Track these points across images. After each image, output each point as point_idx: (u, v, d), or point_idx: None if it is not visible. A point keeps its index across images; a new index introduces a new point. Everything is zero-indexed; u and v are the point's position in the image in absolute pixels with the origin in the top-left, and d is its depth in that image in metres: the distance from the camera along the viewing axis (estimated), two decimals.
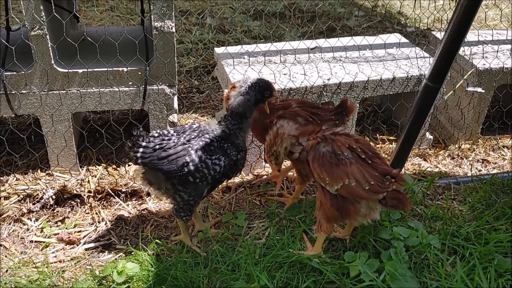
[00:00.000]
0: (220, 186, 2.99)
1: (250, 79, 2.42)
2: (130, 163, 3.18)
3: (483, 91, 3.34)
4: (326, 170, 2.24)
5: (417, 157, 3.45)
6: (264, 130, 2.57)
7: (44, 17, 2.62)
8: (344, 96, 3.11)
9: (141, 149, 2.31)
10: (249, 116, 2.42)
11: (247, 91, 2.36)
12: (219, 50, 3.43)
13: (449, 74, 3.32)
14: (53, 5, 2.61)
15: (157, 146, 2.32)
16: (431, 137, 3.54)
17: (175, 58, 2.87)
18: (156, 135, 2.38)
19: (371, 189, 2.19)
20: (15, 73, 2.76)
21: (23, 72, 2.76)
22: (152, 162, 2.30)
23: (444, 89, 3.35)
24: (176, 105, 3.02)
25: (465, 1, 2.28)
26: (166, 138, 2.36)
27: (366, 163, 2.24)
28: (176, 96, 3.03)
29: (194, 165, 2.30)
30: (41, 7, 2.60)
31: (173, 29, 2.77)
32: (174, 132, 2.40)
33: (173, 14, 2.74)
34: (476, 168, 3.40)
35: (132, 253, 2.53)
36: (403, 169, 3.21)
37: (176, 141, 2.34)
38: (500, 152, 3.56)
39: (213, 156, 2.35)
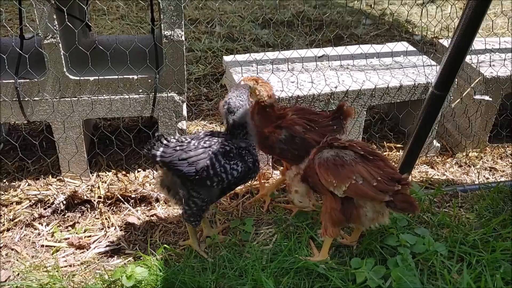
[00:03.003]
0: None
1: (240, 88, 2.46)
2: (139, 169, 3.23)
3: (490, 99, 3.35)
4: (332, 172, 2.28)
5: (425, 165, 3.46)
6: (265, 139, 2.64)
7: (57, 26, 2.69)
8: (352, 104, 3.14)
9: (161, 148, 2.33)
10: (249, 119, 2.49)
11: (244, 103, 2.42)
12: (227, 58, 3.47)
13: (456, 82, 3.34)
14: (65, 14, 2.67)
15: (178, 147, 2.35)
16: (439, 144, 3.55)
17: (185, 66, 2.92)
18: (174, 139, 2.43)
19: (378, 187, 2.21)
20: (28, 80, 2.82)
21: (36, 80, 2.82)
22: (173, 162, 2.32)
23: (452, 97, 3.37)
24: (185, 112, 3.07)
25: (471, 10, 2.30)
26: (186, 141, 2.41)
27: (371, 163, 2.27)
28: (185, 103, 3.07)
29: (214, 168, 2.34)
30: (54, 16, 2.66)
31: (183, 38, 2.82)
32: (191, 138, 2.44)
33: (182, 23, 2.79)
34: (484, 176, 3.41)
35: (141, 258, 2.57)
36: (410, 177, 3.22)
37: (196, 144, 2.39)
38: (508, 160, 3.56)
39: (232, 162, 2.39)
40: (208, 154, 2.35)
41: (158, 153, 2.32)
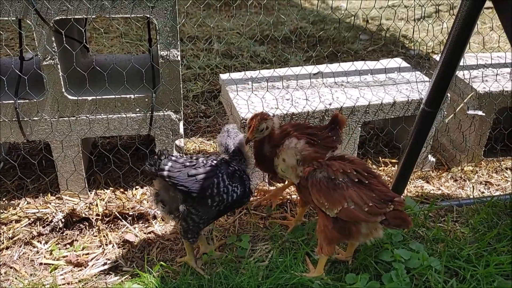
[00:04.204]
0: None
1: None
2: (137, 187, 3.27)
3: (484, 114, 3.39)
4: (324, 195, 2.31)
5: (420, 180, 3.49)
6: (262, 160, 2.73)
7: (55, 47, 2.75)
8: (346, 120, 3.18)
9: (170, 163, 2.38)
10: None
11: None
12: (223, 76, 3.53)
13: (449, 97, 3.38)
14: (64, 36, 2.74)
15: (188, 163, 2.41)
16: (434, 159, 3.58)
17: (181, 85, 2.97)
18: (180, 156, 2.50)
19: (370, 211, 2.24)
20: (27, 101, 2.88)
21: (35, 100, 2.88)
22: (179, 178, 2.36)
23: (445, 112, 3.41)
24: (181, 130, 3.12)
25: (457, 30, 2.36)
26: (194, 158, 2.49)
27: (363, 185, 2.29)
28: (182, 121, 3.12)
29: (218, 188, 2.40)
30: (53, 39, 2.73)
31: (179, 58, 2.88)
32: (196, 157, 2.53)
33: (178, 43, 2.85)
34: (479, 190, 3.43)
35: (138, 275, 2.59)
36: (405, 191, 3.25)
37: (205, 162, 2.46)
38: (503, 174, 3.58)
39: (234, 184, 2.47)
40: (215, 172, 2.41)
41: (167, 167, 2.37)
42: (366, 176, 2.34)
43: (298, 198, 2.99)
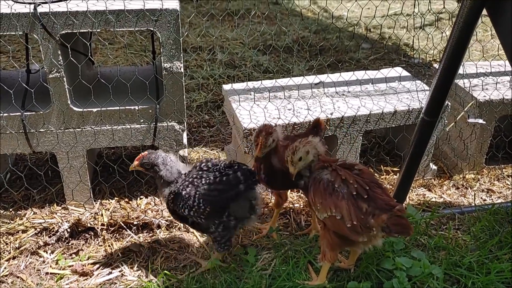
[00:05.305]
0: None
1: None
2: (141, 197, 3.31)
3: (484, 122, 3.42)
4: (319, 196, 2.34)
5: (422, 188, 3.52)
6: (273, 174, 2.72)
7: (61, 61, 2.81)
8: (347, 129, 3.22)
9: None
10: None
11: None
12: (226, 87, 3.58)
13: (449, 106, 3.42)
14: (69, 50, 2.80)
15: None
16: (435, 167, 3.61)
17: (184, 97, 3.02)
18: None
19: (352, 228, 2.27)
20: (34, 113, 2.94)
21: (41, 112, 2.94)
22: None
23: (446, 121, 3.44)
24: (185, 141, 3.16)
25: (454, 39, 2.39)
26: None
27: (359, 200, 2.31)
28: (186, 132, 3.17)
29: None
30: (59, 52, 2.79)
31: (182, 69, 2.93)
32: None
33: (181, 55, 2.90)
34: (481, 198, 3.45)
35: (143, 284, 2.63)
36: (407, 199, 3.28)
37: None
38: (505, 182, 3.60)
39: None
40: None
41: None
42: (367, 190, 2.32)
43: (274, 199, 3.03)
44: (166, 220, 3.07)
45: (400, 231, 2.29)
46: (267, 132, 2.57)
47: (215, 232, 2.60)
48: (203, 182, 2.53)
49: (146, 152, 2.59)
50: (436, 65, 3.90)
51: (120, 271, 2.78)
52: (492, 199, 3.43)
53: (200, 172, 2.58)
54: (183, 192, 2.52)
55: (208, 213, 2.51)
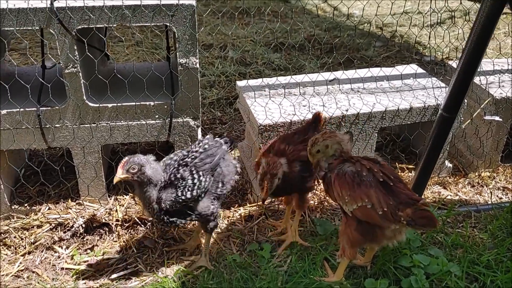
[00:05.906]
0: (243, 214, 3.11)
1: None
2: None
3: (501, 119, 3.39)
4: (346, 188, 2.32)
5: (437, 185, 3.49)
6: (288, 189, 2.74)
7: (77, 56, 2.81)
8: (363, 126, 3.20)
9: None
10: None
11: None
12: (241, 83, 3.57)
13: (466, 103, 3.38)
14: (86, 45, 2.79)
15: None
16: (451, 165, 3.57)
17: (199, 92, 3.01)
18: None
19: (384, 216, 2.25)
20: (50, 108, 2.94)
21: (57, 107, 2.94)
22: None
23: (462, 118, 3.41)
24: (200, 137, 3.15)
25: (475, 36, 2.37)
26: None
27: (386, 189, 2.29)
28: (200, 128, 3.16)
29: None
30: (75, 47, 2.79)
31: (197, 65, 2.92)
32: None
33: (197, 51, 2.90)
34: (497, 196, 3.42)
35: (158, 280, 2.62)
36: (423, 197, 3.25)
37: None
38: None
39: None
40: None
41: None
42: (392, 179, 2.33)
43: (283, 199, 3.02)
44: None
45: (426, 224, 2.25)
46: (272, 174, 2.54)
47: (214, 207, 2.65)
48: (192, 159, 2.59)
49: (125, 159, 2.46)
50: (451, 63, 3.88)
51: (135, 267, 2.77)
52: (508, 197, 3.40)
53: (182, 160, 2.62)
54: (178, 175, 2.54)
55: (209, 184, 2.59)
